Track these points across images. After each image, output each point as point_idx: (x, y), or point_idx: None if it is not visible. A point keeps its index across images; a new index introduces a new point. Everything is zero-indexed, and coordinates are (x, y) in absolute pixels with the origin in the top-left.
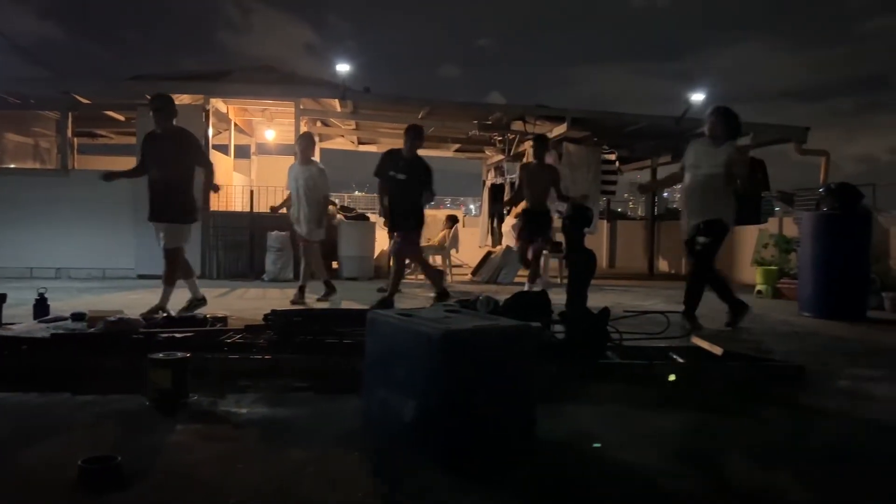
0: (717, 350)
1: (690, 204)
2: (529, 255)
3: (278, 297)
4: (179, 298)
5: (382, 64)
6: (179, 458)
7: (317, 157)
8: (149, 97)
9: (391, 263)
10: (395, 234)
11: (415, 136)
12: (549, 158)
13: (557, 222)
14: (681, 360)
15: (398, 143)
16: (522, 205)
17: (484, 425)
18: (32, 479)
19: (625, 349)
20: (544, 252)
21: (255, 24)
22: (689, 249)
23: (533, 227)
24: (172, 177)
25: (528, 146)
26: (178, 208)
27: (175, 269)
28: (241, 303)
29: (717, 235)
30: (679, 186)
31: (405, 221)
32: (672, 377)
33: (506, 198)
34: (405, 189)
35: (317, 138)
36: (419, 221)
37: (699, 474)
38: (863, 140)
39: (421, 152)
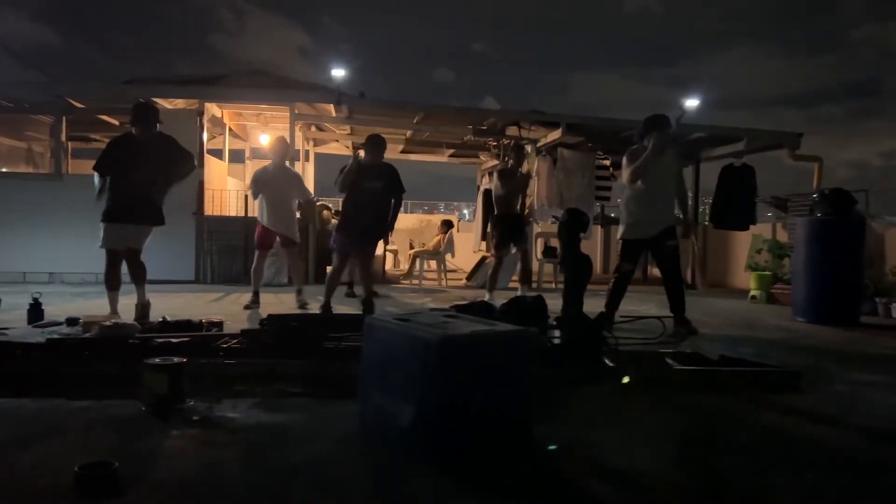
0: (713, 355)
1: (650, 208)
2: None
3: (273, 302)
4: (174, 303)
5: (378, 67)
6: (175, 463)
7: (309, 163)
8: (132, 105)
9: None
10: (362, 240)
11: (379, 144)
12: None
13: (553, 227)
14: (677, 365)
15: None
16: (499, 210)
17: (481, 429)
18: (28, 485)
19: (620, 354)
20: (538, 257)
21: (248, 27)
22: (629, 252)
23: (512, 234)
24: (160, 180)
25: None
26: (159, 212)
27: (143, 268)
28: (236, 307)
29: (676, 237)
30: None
31: (375, 229)
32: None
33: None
34: (379, 198)
35: (311, 142)
36: (390, 227)
37: (694, 478)
38: (855, 145)
39: (415, 157)
